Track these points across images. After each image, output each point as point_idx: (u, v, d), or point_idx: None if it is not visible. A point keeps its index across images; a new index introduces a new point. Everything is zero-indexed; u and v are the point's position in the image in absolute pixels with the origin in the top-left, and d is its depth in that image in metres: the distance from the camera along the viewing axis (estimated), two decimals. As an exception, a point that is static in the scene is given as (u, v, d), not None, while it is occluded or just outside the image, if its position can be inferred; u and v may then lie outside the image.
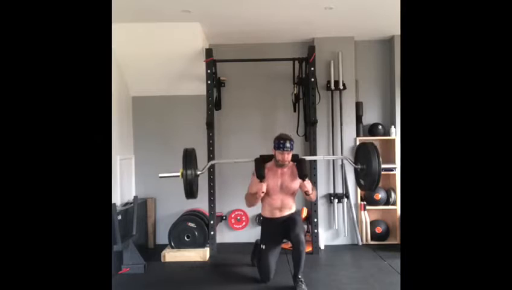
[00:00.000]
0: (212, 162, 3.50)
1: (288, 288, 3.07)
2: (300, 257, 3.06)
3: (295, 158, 3.19)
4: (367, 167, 3.04)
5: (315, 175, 3.99)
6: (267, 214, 3.31)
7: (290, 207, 3.29)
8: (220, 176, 4.39)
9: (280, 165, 3.17)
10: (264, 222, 3.36)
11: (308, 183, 3.14)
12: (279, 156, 3.11)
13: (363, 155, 3.13)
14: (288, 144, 3.08)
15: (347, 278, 3.27)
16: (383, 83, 4.53)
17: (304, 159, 3.20)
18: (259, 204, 3.33)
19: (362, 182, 3.21)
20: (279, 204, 3.24)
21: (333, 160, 4.34)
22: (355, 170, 3.32)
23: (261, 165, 3.13)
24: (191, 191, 2.97)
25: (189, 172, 2.91)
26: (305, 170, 3.12)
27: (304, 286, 3.03)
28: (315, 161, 4.00)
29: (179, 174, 2.94)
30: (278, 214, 3.26)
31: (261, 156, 3.25)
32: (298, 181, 3.18)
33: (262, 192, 3.09)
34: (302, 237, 3.06)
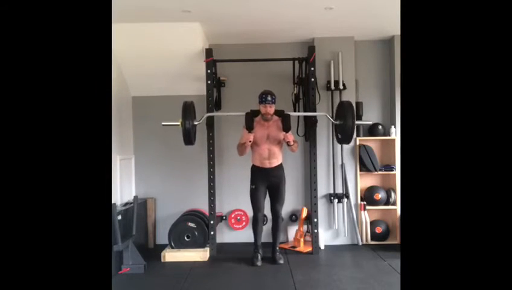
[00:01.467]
0: (207, 114, 3.88)
1: (286, 287, 3.06)
2: (277, 229, 3.75)
3: (280, 114, 3.65)
4: (343, 122, 3.48)
5: (315, 175, 3.99)
6: (257, 163, 3.71)
7: (277, 157, 3.70)
8: (220, 176, 4.39)
9: (265, 118, 3.62)
10: (254, 168, 3.75)
11: (290, 135, 3.57)
12: (262, 109, 3.59)
13: (341, 112, 3.57)
14: (269, 98, 3.55)
15: (347, 278, 3.27)
16: (383, 83, 4.53)
17: (288, 115, 3.62)
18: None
19: (340, 136, 3.68)
20: (267, 153, 3.65)
21: (333, 160, 4.34)
22: (334, 125, 3.77)
23: (250, 118, 3.56)
24: (188, 137, 3.49)
25: (187, 122, 3.41)
26: (288, 124, 3.57)
27: (280, 255, 3.71)
28: (315, 161, 4.00)
29: (178, 123, 3.43)
30: (267, 164, 3.67)
31: (251, 110, 3.66)
32: (283, 133, 3.60)
33: (250, 141, 3.53)
34: (280, 212, 3.74)
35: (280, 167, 3.73)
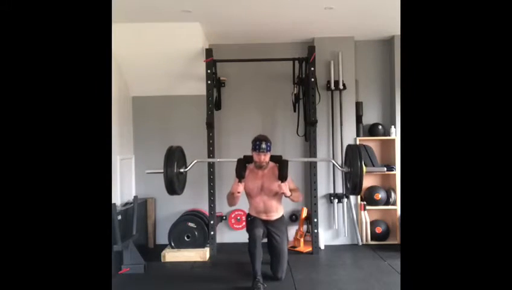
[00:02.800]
0: (196, 161, 3.38)
1: (286, 287, 3.06)
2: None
3: (277, 159, 3.17)
4: (351, 170, 2.80)
5: (315, 175, 3.99)
6: (253, 213, 3.32)
7: (276, 210, 3.27)
8: (220, 176, 4.39)
9: (258, 166, 3.17)
10: (249, 216, 3.34)
11: (285, 186, 3.06)
12: (255, 157, 3.12)
13: (349, 158, 2.90)
14: (264, 145, 3.07)
15: (347, 278, 3.27)
16: (383, 83, 4.53)
17: (286, 161, 3.12)
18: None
19: (348, 185, 3.03)
20: (262, 207, 3.23)
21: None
22: (344, 173, 3.25)
23: (242, 165, 3.13)
24: (171, 187, 2.96)
25: (169, 169, 2.92)
26: (284, 172, 3.05)
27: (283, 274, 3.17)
28: (315, 161, 4.00)
29: (162, 171, 2.97)
30: (264, 217, 3.26)
31: (244, 156, 3.22)
32: (277, 183, 3.10)
33: (238, 192, 3.09)
34: (282, 277, 3.17)
35: (280, 220, 3.28)
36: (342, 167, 3.17)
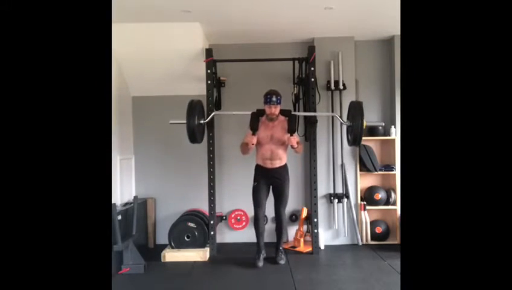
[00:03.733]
0: (214, 113, 3.87)
1: (286, 287, 3.06)
2: (281, 230, 3.68)
3: (287, 114, 3.57)
4: (353, 124, 3.42)
5: (315, 175, 3.99)
6: (259, 162, 3.66)
7: (280, 158, 3.61)
8: (220, 176, 4.39)
9: (270, 118, 3.54)
10: (257, 167, 3.70)
11: (293, 139, 3.47)
12: (267, 109, 3.50)
13: (351, 113, 3.50)
14: (274, 98, 3.46)
15: (347, 278, 3.27)
16: (383, 83, 4.53)
17: (295, 115, 3.55)
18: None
19: (349, 137, 3.61)
20: (269, 154, 3.58)
21: (333, 160, 4.34)
22: (346, 127, 3.72)
23: (255, 118, 3.51)
24: (193, 136, 3.48)
25: (191, 120, 3.41)
26: (293, 125, 3.50)
27: (282, 255, 3.67)
28: (315, 161, 4.00)
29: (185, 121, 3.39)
30: (269, 165, 3.60)
31: (257, 110, 3.59)
32: (287, 136, 3.50)
33: (253, 143, 3.47)
34: (283, 212, 3.64)
35: (283, 167, 3.65)
36: (345, 121, 3.63)
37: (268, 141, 3.55)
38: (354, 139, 3.43)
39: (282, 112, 3.58)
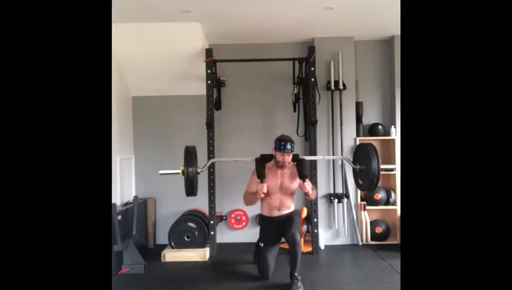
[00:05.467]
0: (212, 160, 3.56)
1: (287, 287, 3.06)
2: (296, 256, 3.09)
3: (295, 158, 3.24)
4: (366, 167, 3.10)
5: (315, 175, 3.99)
6: (265, 213, 3.39)
7: (289, 207, 3.36)
8: (220, 176, 4.39)
9: (280, 166, 3.21)
10: (262, 220, 3.44)
11: (308, 184, 3.16)
12: (279, 157, 3.16)
13: (362, 155, 3.18)
14: (289, 146, 3.12)
15: (347, 278, 3.27)
16: (383, 83, 4.53)
17: (304, 160, 3.23)
18: (257, 203, 3.39)
19: (361, 182, 3.26)
20: (278, 204, 3.31)
21: (333, 160, 4.34)
22: (354, 170, 3.39)
23: (261, 165, 3.16)
24: (191, 188, 3.01)
25: (190, 170, 2.95)
26: (305, 170, 3.17)
27: (299, 283, 3.02)
28: (315, 161, 4.00)
29: (179, 171, 3.00)
30: (276, 213, 3.33)
31: (261, 155, 3.30)
32: (298, 181, 3.22)
33: (264, 192, 3.11)
34: (298, 237, 3.11)
35: (291, 213, 3.35)
36: (355, 164, 3.30)
37: (277, 191, 3.24)
38: (370, 185, 3.07)
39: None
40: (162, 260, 3.82)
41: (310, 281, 3.19)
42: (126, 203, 4.04)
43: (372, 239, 4.31)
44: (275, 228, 3.29)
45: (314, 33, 4.23)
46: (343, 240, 4.34)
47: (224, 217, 4.48)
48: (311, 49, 4.01)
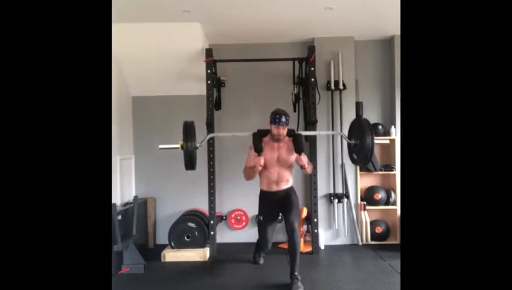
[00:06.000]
0: (210, 135, 3.60)
1: (287, 287, 3.06)
2: (295, 248, 3.10)
3: (291, 133, 3.31)
4: (360, 142, 3.21)
5: (315, 175, 3.99)
6: (264, 187, 3.39)
7: (287, 180, 3.37)
8: (220, 176, 4.39)
9: (276, 139, 3.26)
10: (261, 194, 3.44)
11: (304, 158, 3.22)
12: (274, 130, 3.21)
13: (357, 131, 3.30)
14: (283, 119, 3.18)
15: (347, 278, 3.27)
16: (383, 83, 4.53)
17: (300, 134, 3.28)
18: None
19: (355, 156, 3.38)
20: (276, 177, 3.32)
21: (333, 160, 4.34)
22: (349, 145, 3.49)
23: (258, 139, 3.22)
24: (191, 162, 3.14)
25: (189, 144, 3.06)
26: (301, 144, 3.22)
27: (299, 283, 3.02)
28: (315, 161, 4.00)
29: (178, 145, 3.12)
30: (275, 188, 3.34)
31: (258, 130, 3.33)
32: (294, 155, 3.27)
33: (261, 165, 3.17)
34: (296, 225, 3.15)
35: (291, 189, 3.38)
36: (350, 139, 3.41)
37: (275, 163, 3.28)
38: (364, 159, 3.22)
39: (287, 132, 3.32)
40: (162, 260, 3.82)
41: (310, 281, 3.19)
42: (126, 203, 4.04)
43: (372, 239, 4.31)
44: (274, 204, 3.33)
45: (314, 33, 4.23)
46: (343, 240, 4.34)
47: (224, 217, 4.48)
48: (311, 49, 4.01)
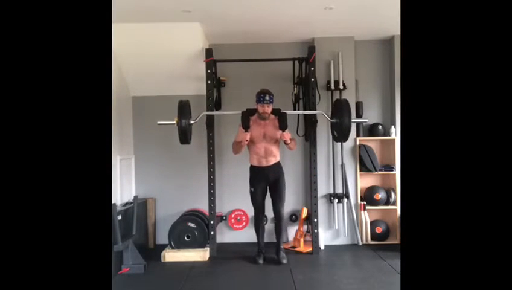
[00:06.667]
0: (204, 113, 3.83)
1: (286, 287, 3.06)
2: (280, 230, 3.74)
3: (277, 112, 3.60)
4: (340, 120, 3.50)
5: (315, 175, 3.99)
6: (254, 163, 3.71)
7: (275, 155, 3.69)
8: (220, 176, 4.39)
9: (262, 117, 3.60)
10: (252, 169, 3.75)
11: (286, 134, 3.55)
12: (260, 108, 3.56)
13: (338, 110, 3.59)
14: (267, 97, 3.53)
15: (347, 278, 3.27)
16: (383, 83, 4.53)
17: (285, 113, 3.58)
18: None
19: (336, 133, 3.70)
20: (263, 152, 3.64)
21: (333, 160, 4.34)
22: (331, 123, 3.77)
23: (246, 117, 3.55)
24: (184, 137, 3.47)
25: (183, 121, 3.40)
26: (285, 122, 3.52)
27: (284, 254, 3.70)
28: (315, 161, 4.00)
29: (174, 122, 3.42)
30: (264, 163, 3.67)
31: (247, 109, 3.62)
32: (279, 132, 3.57)
33: (246, 140, 3.52)
34: (282, 211, 3.70)
35: (278, 164, 3.73)
36: (331, 118, 3.71)
37: (262, 139, 3.62)
38: (343, 135, 3.53)
39: (272, 111, 3.62)
40: (162, 260, 3.82)
41: (310, 281, 3.19)
42: (126, 203, 4.03)
43: (372, 239, 4.31)
44: (263, 179, 3.68)
45: (314, 33, 4.23)
46: (343, 240, 4.34)
47: (224, 217, 4.48)
48: (311, 49, 4.01)
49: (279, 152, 3.75)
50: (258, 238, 3.81)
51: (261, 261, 3.68)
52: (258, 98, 3.56)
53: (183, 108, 3.47)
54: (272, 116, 3.63)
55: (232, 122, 4.43)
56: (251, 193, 3.75)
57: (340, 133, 3.58)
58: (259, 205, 3.74)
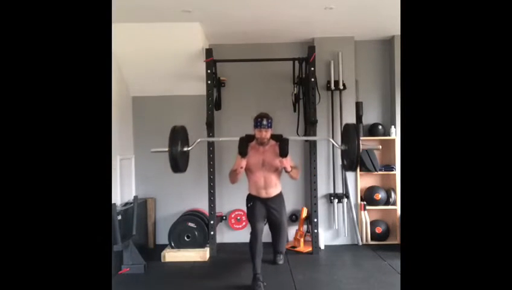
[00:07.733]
0: (199, 139, 3.56)
1: (287, 287, 3.06)
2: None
3: (278, 138, 3.29)
4: (348, 148, 3.09)
5: (315, 175, 3.99)
6: (253, 192, 3.41)
7: (275, 185, 3.38)
8: (220, 176, 4.39)
9: (260, 142, 3.29)
10: (249, 197, 3.44)
11: (287, 161, 3.22)
12: (258, 134, 3.26)
13: (346, 136, 3.18)
14: (265, 122, 3.22)
15: (347, 278, 3.27)
16: (383, 83, 4.53)
17: (287, 139, 3.27)
18: (245, 183, 3.45)
19: (345, 162, 3.27)
20: (263, 182, 3.33)
21: (333, 160, 4.34)
22: (341, 150, 3.35)
23: (244, 143, 3.24)
24: (175, 165, 3.11)
25: (174, 148, 3.06)
26: (285, 148, 3.20)
27: (281, 256, 3.64)
28: (315, 161, 4.00)
29: (167, 149, 3.10)
30: (263, 194, 3.36)
31: (246, 135, 3.34)
32: (279, 159, 3.26)
33: (242, 167, 3.22)
34: (282, 251, 3.60)
35: (279, 196, 3.42)
36: (340, 145, 3.29)
37: (260, 167, 3.30)
38: (350, 165, 3.04)
39: (273, 137, 3.31)
40: (162, 260, 3.82)
41: (310, 281, 3.19)
42: (126, 203, 4.03)
43: (372, 239, 4.31)
44: (262, 206, 3.35)
45: (314, 33, 4.23)
46: (343, 240, 4.34)
47: (224, 217, 4.48)
48: (311, 49, 4.01)
49: (280, 182, 3.44)
50: (253, 261, 3.14)
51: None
52: (255, 123, 3.25)
53: (176, 135, 3.09)
54: (272, 141, 3.31)
55: (232, 123, 4.44)
56: (249, 207, 3.40)
57: (348, 162, 3.10)
58: (258, 216, 3.30)
